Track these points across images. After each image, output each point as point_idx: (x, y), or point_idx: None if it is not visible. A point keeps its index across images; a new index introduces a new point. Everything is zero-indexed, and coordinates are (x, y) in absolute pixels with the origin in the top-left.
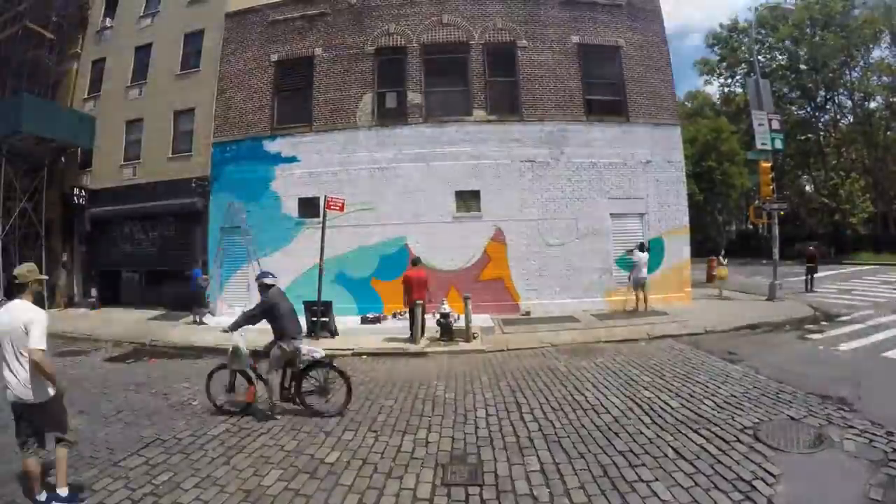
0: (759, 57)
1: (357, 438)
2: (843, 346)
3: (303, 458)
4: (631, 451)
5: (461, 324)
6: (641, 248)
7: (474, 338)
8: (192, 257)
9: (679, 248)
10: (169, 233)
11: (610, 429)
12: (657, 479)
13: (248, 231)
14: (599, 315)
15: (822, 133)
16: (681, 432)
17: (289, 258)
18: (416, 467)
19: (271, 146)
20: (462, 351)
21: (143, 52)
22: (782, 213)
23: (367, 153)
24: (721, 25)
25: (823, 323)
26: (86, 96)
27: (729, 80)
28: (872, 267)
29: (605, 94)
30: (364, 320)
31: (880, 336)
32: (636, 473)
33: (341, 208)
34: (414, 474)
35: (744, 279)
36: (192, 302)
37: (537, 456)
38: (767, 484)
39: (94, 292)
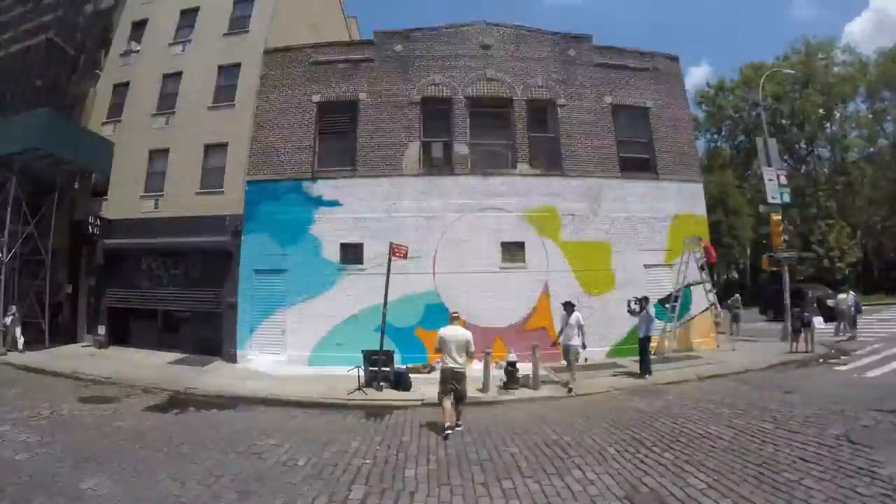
0: (742, 114)
1: (541, 484)
2: (871, 374)
3: None
4: (765, 463)
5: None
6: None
7: (543, 385)
8: (220, 298)
9: (703, 296)
10: (194, 272)
11: (733, 449)
12: (805, 478)
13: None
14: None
15: (803, 184)
16: (793, 444)
17: (329, 304)
18: (609, 501)
19: (312, 188)
20: (536, 398)
21: (171, 80)
22: (793, 260)
23: (412, 202)
24: (708, 84)
25: (843, 357)
26: (105, 120)
27: (716, 136)
28: (864, 307)
29: (636, 153)
30: (410, 371)
31: None
32: (784, 476)
33: (405, 255)
34: None
35: (744, 325)
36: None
37: (696, 477)
38: (882, 468)
39: (101, 330)
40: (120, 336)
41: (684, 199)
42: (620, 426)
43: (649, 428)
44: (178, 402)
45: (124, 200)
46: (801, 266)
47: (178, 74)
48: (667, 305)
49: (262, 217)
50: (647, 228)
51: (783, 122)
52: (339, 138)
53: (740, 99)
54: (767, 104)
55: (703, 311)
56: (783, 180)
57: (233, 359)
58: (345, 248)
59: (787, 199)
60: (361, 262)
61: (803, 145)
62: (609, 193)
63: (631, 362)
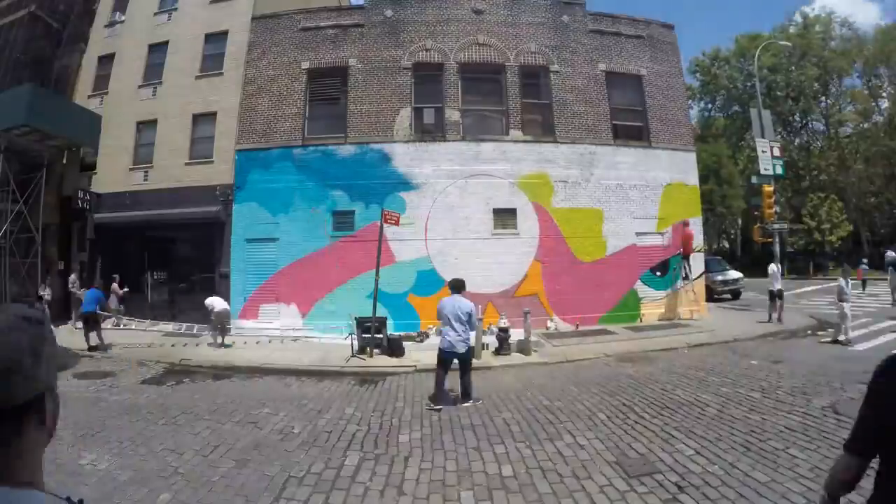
0: (738, 84)
1: (532, 449)
2: (860, 347)
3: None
4: (752, 431)
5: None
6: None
7: (534, 351)
8: (212, 268)
9: (695, 265)
10: (185, 243)
11: (721, 416)
12: (790, 447)
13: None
14: (630, 328)
15: (796, 157)
16: (780, 413)
17: (322, 273)
18: (599, 466)
19: (303, 155)
20: (527, 363)
21: (157, 50)
22: (784, 231)
23: (405, 168)
24: (704, 53)
25: (830, 330)
26: (91, 93)
27: (710, 106)
28: (854, 281)
29: (630, 120)
30: (402, 339)
31: (886, 338)
32: (771, 445)
33: (397, 222)
34: (600, 473)
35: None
36: None
37: (684, 444)
38: None
39: None
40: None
41: (677, 167)
42: (611, 392)
43: (639, 394)
44: (174, 373)
45: (113, 174)
46: (791, 238)
47: (165, 44)
48: (657, 273)
49: (253, 185)
50: (640, 196)
51: (778, 93)
52: (330, 105)
53: (735, 69)
54: (763, 75)
55: (695, 279)
56: (776, 152)
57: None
58: (337, 215)
59: (779, 171)
60: (353, 230)
61: (798, 118)
62: (601, 160)
63: (622, 329)
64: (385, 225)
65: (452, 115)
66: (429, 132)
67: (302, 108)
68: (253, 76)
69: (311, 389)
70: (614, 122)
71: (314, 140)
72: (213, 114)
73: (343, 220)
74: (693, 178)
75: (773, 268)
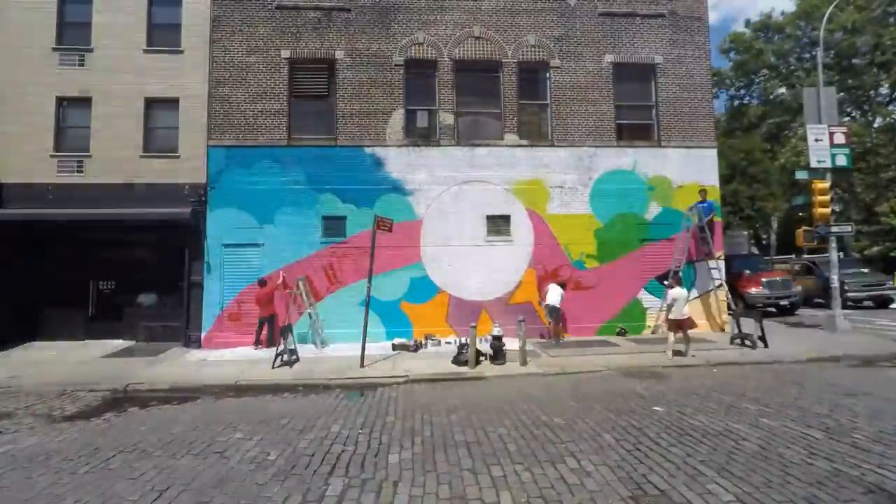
0: (791, 58)
1: (532, 472)
2: None
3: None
4: (818, 483)
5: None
6: None
7: (530, 361)
8: (176, 276)
9: (712, 275)
10: (143, 248)
11: (766, 455)
12: None
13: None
14: (634, 340)
15: (876, 141)
16: (862, 466)
17: (311, 281)
18: (611, 501)
19: (289, 156)
20: (523, 374)
21: (77, 5)
22: (847, 235)
23: (398, 173)
24: (747, 24)
25: None
26: None
27: (742, 91)
28: None
29: (636, 118)
30: (396, 347)
31: None
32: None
33: (390, 229)
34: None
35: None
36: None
37: (717, 484)
38: None
39: None
40: (25, 331)
41: (691, 167)
42: (617, 411)
43: (651, 416)
44: (114, 403)
45: (23, 159)
46: (859, 242)
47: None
48: (665, 282)
49: (232, 186)
50: (644, 201)
51: (856, 61)
52: (317, 102)
53: (791, 39)
54: (835, 40)
55: (710, 291)
56: (840, 139)
57: (196, 343)
58: (327, 220)
59: (843, 161)
60: (344, 236)
61: (886, 90)
62: (602, 163)
63: (625, 341)
64: (378, 231)
65: (446, 118)
66: (422, 136)
67: (285, 103)
68: (223, 60)
69: (294, 406)
70: (619, 120)
71: (301, 140)
72: (175, 100)
73: (333, 226)
74: (712, 178)
75: None
